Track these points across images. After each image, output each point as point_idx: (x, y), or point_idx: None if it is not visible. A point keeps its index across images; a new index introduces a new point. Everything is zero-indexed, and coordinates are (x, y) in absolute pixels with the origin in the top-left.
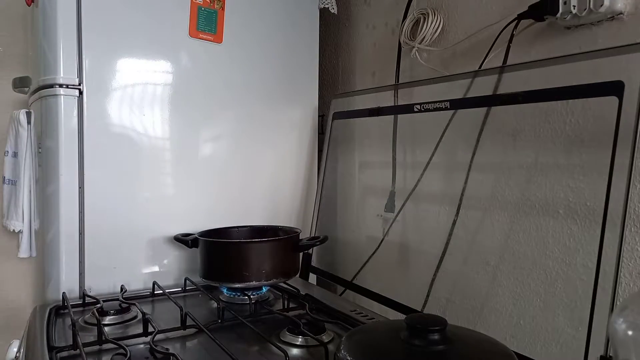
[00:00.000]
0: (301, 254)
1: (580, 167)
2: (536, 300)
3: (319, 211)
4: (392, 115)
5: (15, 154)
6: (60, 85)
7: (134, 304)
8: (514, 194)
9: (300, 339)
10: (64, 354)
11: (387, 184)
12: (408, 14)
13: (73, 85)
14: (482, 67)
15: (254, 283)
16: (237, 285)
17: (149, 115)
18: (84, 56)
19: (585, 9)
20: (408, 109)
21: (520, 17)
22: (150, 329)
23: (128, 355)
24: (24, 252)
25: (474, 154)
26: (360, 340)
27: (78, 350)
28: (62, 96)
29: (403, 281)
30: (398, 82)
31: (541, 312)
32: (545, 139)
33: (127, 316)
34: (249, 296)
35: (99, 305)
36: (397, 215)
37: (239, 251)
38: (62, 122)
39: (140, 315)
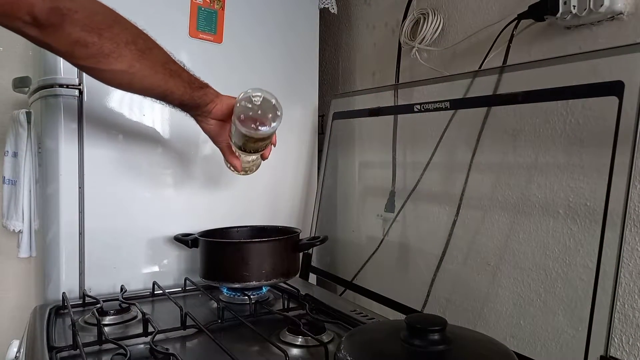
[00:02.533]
0: (301, 254)
1: (580, 167)
2: (536, 300)
3: (319, 211)
4: (392, 115)
5: (15, 154)
6: (60, 85)
7: (134, 304)
8: (514, 194)
9: (300, 339)
10: (64, 354)
11: (387, 184)
12: (408, 14)
13: (73, 85)
14: (482, 67)
15: (254, 283)
16: (237, 285)
17: (149, 115)
18: None
19: (585, 9)
20: (408, 109)
21: (520, 17)
22: (150, 329)
23: (128, 355)
24: (24, 252)
25: (474, 154)
26: (360, 340)
27: (78, 350)
28: (62, 96)
29: (403, 281)
30: (398, 82)
31: (541, 312)
32: (545, 139)
33: (127, 316)
34: (249, 296)
35: (99, 305)
36: (397, 215)
37: (239, 251)
38: (62, 122)
39: (140, 315)
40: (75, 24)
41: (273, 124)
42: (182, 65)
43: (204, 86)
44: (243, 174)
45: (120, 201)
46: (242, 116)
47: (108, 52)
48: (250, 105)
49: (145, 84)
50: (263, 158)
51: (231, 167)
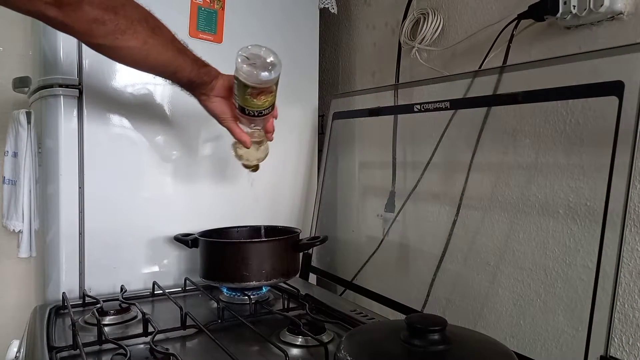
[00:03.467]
0: (301, 254)
1: (580, 167)
2: (536, 300)
3: (319, 211)
4: (392, 115)
5: (15, 154)
6: (60, 85)
7: (134, 304)
8: (514, 194)
9: (300, 339)
10: (64, 354)
11: (387, 184)
12: (408, 14)
13: (73, 85)
14: (482, 67)
15: (254, 283)
16: (237, 285)
17: (149, 114)
18: (83, 56)
19: (585, 9)
20: (408, 109)
21: (520, 17)
22: (150, 329)
23: (128, 355)
24: (24, 252)
25: (474, 154)
26: (360, 340)
27: (78, 350)
28: (62, 96)
29: (403, 281)
30: (398, 82)
31: (541, 312)
32: (545, 139)
33: (127, 316)
34: (249, 296)
35: (99, 305)
36: (397, 215)
37: (239, 251)
38: (62, 122)
39: (140, 315)
40: (92, 3)
41: (272, 71)
42: (185, 44)
43: (207, 64)
44: (251, 168)
45: (120, 201)
46: (244, 67)
47: (124, 29)
48: (249, 56)
49: (159, 60)
50: (267, 132)
51: (240, 154)
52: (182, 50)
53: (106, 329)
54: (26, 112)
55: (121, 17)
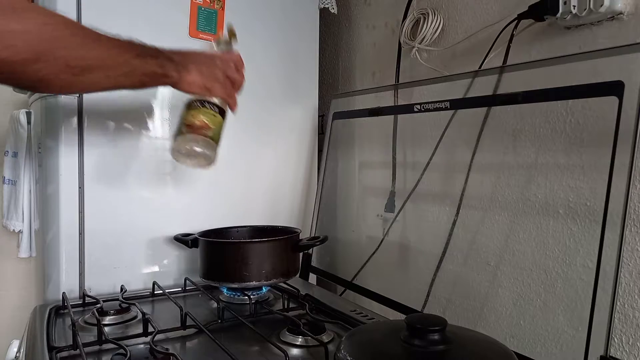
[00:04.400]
0: (301, 254)
1: (580, 167)
2: (536, 300)
3: (319, 211)
4: (392, 115)
5: (15, 154)
6: None
7: (134, 304)
8: (514, 194)
9: (300, 339)
10: (64, 354)
11: (387, 184)
12: (408, 14)
13: None
14: (482, 67)
15: (254, 283)
16: (237, 285)
17: (149, 114)
18: None
19: (585, 9)
20: (408, 109)
21: (520, 17)
22: (150, 329)
23: (128, 355)
24: (24, 252)
25: (474, 154)
26: (360, 340)
27: (78, 350)
28: (62, 96)
29: (403, 281)
30: (398, 82)
31: (541, 312)
32: (545, 139)
33: (127, 316)
34: (249, 296)
35: (99, 305)
36: (397, 215)
37: (239, 251)
38: (62, 122)
39: (140, 315)
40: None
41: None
42: (135, 55)
43: (158, 75)
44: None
45: (121, 201)
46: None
47: (38, 79)
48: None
49: (91, 91)
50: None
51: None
52: (121, 81)
53: (106, 329)
54: (26, 112)
55: (30, 72)
